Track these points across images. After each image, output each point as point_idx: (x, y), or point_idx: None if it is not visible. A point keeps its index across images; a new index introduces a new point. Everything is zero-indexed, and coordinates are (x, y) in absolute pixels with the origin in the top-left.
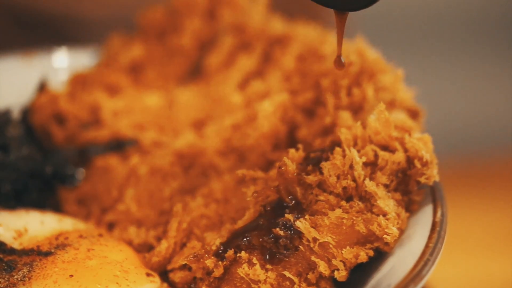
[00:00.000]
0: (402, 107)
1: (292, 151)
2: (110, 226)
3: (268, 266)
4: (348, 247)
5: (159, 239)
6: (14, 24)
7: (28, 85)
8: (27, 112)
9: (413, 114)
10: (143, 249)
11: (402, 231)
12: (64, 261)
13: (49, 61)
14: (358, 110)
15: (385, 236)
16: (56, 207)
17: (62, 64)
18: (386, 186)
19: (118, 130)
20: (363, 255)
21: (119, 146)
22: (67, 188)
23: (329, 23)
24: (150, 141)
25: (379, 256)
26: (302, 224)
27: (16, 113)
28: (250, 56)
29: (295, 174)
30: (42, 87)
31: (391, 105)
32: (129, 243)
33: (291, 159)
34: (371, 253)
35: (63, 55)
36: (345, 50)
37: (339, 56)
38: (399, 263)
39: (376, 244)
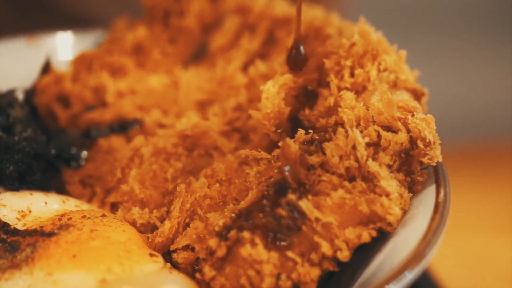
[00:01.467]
0: (405, 88)
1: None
2: (114, 207)
3: (271, 246)
4: (350, 228)
5: (162, 219)
6: (16, 8)
7: (33, 66)
8: (31, 93)
9: (416, 95)
10: (146, 229)
11: (405, 211)
12: (67, 241)
13: (54, 43)
14: (361, 90)
15: (387, 216)
16: (60, 188)
17: (66, 46)
18: (389, 166)
19: (122, 111)
20: (366, 236)
21: (123, 127)
22: (71, 169)
23: (332, 5)
24: (154, 123)
25: (382, 237)
26: (304, 204)
27: (20, 94)
28: (254, 37)
29: (298, 154)
30: (46, 68)
31: (394, 86)
32: (132, 223)
33: (294, 139)
34: (374, 233)
35: (67, 37)
36: (348, 31)
37: (297, 40)
38: (402, 243)
39: (379, 225)
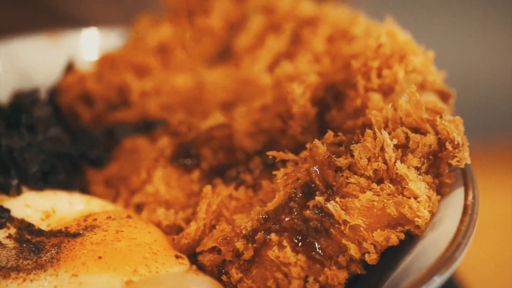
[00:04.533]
0: (433, 89)
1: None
2: (139, 208)
3: (299, 249)
4: (379, 230)
5: (188, 221)
6: (12, 9)
7: (56, 65)
8: (54, 93)
9: (444, 96)
10: (172, 231)
11: (433, 214)
12: (92, 242)
13: (77, 41)
14: (388, 92)
15: (416, 219)
16: (84, 188)
17: (90, 44)
18: (417, 168)
19: (146, 111)
20: (394, 238)
21: (147, 127)
22: (95, 169)
23: (358, 5)
24: (179, 123)
25: (410, 240)
26: (332, 207)
27: (43, 94)
28: (279, 37)
29: (326, 156)
30: (70, 67)
31: (422, 87)
32: (158, 225)
33: (322, 141)
34: (402, 236)
35: (91, 35)
36: (375, 32)
37: None
38: (431, 246)
39: (407, 227)
